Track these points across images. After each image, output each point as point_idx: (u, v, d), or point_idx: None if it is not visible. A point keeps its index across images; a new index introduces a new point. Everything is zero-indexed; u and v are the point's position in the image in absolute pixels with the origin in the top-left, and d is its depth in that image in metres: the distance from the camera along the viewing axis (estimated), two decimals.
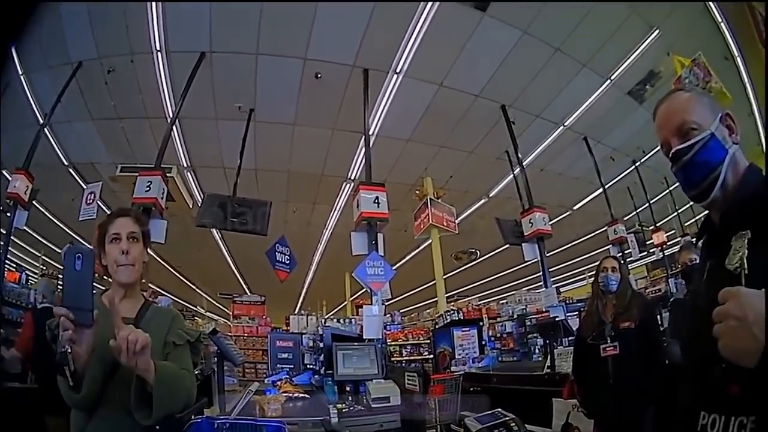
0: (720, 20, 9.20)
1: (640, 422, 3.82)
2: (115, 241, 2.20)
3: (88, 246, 2.23)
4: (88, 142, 11.83)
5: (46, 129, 10.47)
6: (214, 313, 27.14)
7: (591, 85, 10.90)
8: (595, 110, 11.61)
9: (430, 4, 8.27)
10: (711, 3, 8.89)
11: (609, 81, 10.74)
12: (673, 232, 15.79)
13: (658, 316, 5.58)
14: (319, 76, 9.70)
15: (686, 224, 15.09)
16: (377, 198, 8.26)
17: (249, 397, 3.32)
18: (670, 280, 12.41)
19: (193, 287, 24.63)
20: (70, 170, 12.79)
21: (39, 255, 15.21)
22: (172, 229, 8.54)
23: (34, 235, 14.77)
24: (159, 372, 1.86)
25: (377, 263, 7.57)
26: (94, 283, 1.82)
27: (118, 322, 1.82)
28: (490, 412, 3.02)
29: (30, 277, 10.27)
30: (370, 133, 9.84)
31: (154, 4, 8.29)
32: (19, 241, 13.63)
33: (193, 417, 2.04)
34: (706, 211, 1.65)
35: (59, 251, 15.51)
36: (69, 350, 1.70)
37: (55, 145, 11.80)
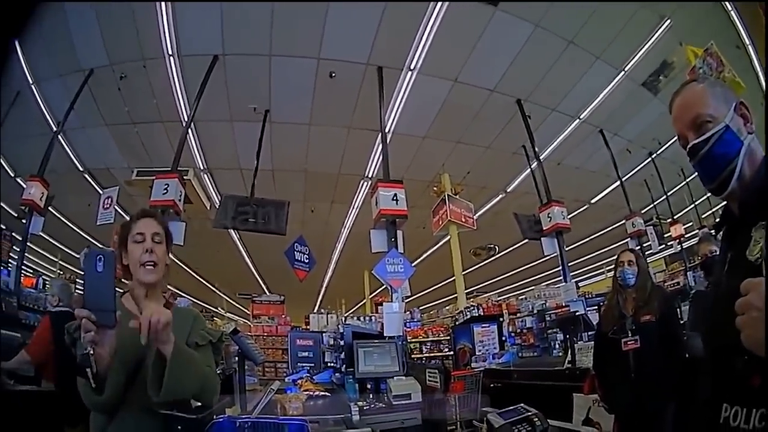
0: (730, 9, 9.12)
1: (661, 417, 3.79)
2: (139, 240, 2.20)
3: (108, 248, 2.23)
4: (103, 148, 11.97)
5: (60, 136, 10.58)
6: (233, 313, 27.25)
7: (605, 78, 10.85)
8: (609, 102, 11.54)
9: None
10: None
11: (623, 73, 10.67)
12: (690, 224, 15.66)
13: (678, 310, 5.54)
14: (333, 75, 9.73)
15: (704, 216, 14.97)
16: (396, 195, 8.26)
17: (270, 395, 3.32)
18: (688, 273, 12.30)
19: (212, 288, 24.73)
20: (86, 176, 12.90)
21: (56, 260, 15.34)
22: (190, 231, 8.59)
23: (51, 240, 14.92)
24: (176, 349, 1.89)
25: (397, 260, 7.57)
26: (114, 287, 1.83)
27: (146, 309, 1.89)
28: (512, 407, 3.02)
29: (47, 282, 10.35)
30: (386, 130, 9.84)
31: (163, 6, 8.36)
32: (35, 247, 13.77)
33: (215, 417, 2.05)
34: (724, 202, 1.63)
35: (76, 256, 15.68)
36: (91, 352, 1.70)
37: (69, 152, 11.94)
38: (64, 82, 9.74)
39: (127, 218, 2.36)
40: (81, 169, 12.67)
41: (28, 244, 9.58)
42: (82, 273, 1.80)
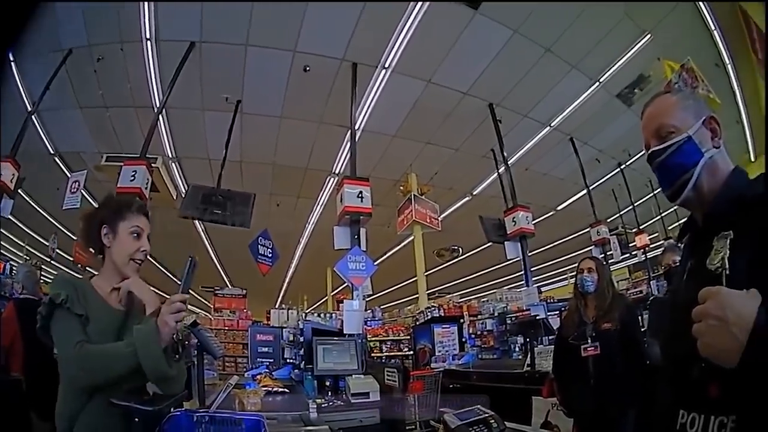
0: (713, 28, 9.29)
1: (619, 422, 3.84)
2: (136, 234, 2.30)
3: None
4: (75, 131, 11.72)
5: (34, 117, 10.36)
6: (195, 305, 27.02)
7: (579, 87, 10.98)
8: (582, 112, 11.69)
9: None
10: (704, 9, 8.95)
11: (598, 83, 10.82)
12: (656, 234, 15.92)
13: (640, 318, 5.62)
14: (307, 69, 9.67)
15: (670, 227, 15.19)
16: (361, 192, 8.25)
17: (228, 390, 3.30)
18: (652, 282, 12.52)
19: (174, 279, 24.49)
20: (56, 159, 12.67)
21: (23, 245, 15.07)
22: (155, 220, 8.48)
23: (19, 224, 14.66)
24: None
25: (359, 258, 7.56)
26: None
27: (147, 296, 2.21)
28: (469, 408, 3.03)
29: (14, 268, 10.17)
30: (357, 127, 9.86)
31: None
32: (3, 231, 13.52)
33: (172, 410, 2.04)
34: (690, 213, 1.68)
35: (43, 241, 15.41)
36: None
37: (42, 133, 11.69)
38: (43, 61, 9.55)
39: (117, 202, 2.41)
40: (52, 151, 12.43)
41: None
42: (188, 276, 2.24)
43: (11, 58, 9.38)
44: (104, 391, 1.94)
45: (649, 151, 1.67)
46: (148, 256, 2.37)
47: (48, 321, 2.00)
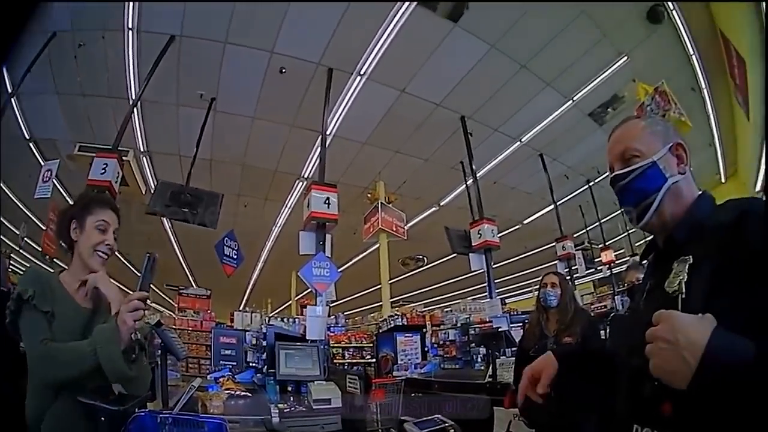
0: (692, 52, 9.47)
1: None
2: (102, 229, 2.31)
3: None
4: (51, 117, 11.52)
5: (13, 100, 10.22)
6: (158, 304, 26.73)
7: (552, 104, 11.11)
8: (553, 129, 11.84)
9: (404, 7, 8.30)
10: (684, 33, 9.11)
11: (571, 101, 10.97)
12: (622, 251, 16.11)
13: (602, 332, 5.70)
14: (283, 71, 9.66)
15: (636, 244, 15.40)
16: (328, 199, 8.23)
17: (192, 392, 3.30)
18: (616, 297, 12.69)
19: (139, 275, 24.17)
20: (31, 145, 12.47)
21: None
22: (122, 215, 8.40)
23: None
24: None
25: (323, 264, 7.56)
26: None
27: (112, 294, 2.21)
28: (429, 417, 3.06)
29: None
30: (328, 132, 9.84)
31: None
32: None
33: (136, 410, 2.04)
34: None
35: (13, 229, 15.14)
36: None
37: (19, 117, 11.50)
38: (27, 42, 9.40)
39: (88, 198, 2.42)
40: (27, 137, 12.24)
41: None
42: (146, 273, 2.23)
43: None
44: (71, 389, 1.94)
45: (613, 174, 1.71)
46: (116, 253, 2.37)
47: (16, 316, 2.01)
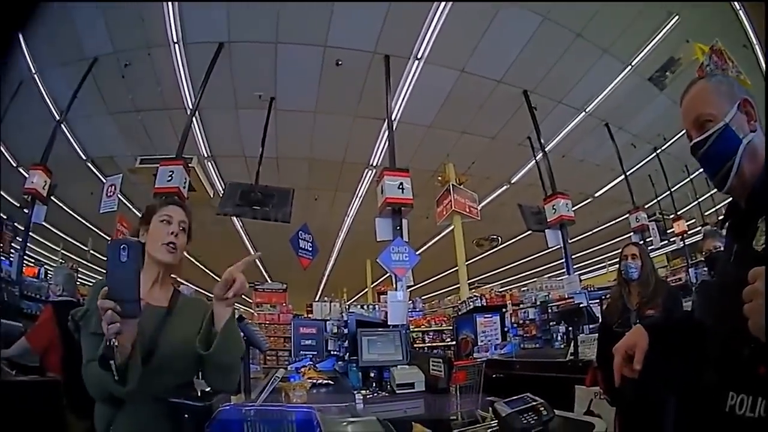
0: (738, 8, 9.11)
1: (663, 408, 3.79)
2: (166, 222, 2.24)
3: (133, 238, 2.22)
4: (107, 136, 11.97)
5: (63, 125, 10.58)
6: (236, 302, 27.23)
7: (612, 71, 10.82)
8: (616, 96, 11.52)
9: None
10: None
11: (630, 67, 10.63)
12: (693, 220, 15.67)
13: (683, 303, 5.54)
14: (339, 63, 9.70)
15: (707, 213, 14.97)
16: (401, 184, 8.24)
17: (275, 383, 3.32)
18: (690, 269, 12.38)
19: (214, 276, 24.72)
20: (89, 164, 12.89)
21: (58, 249, 15.32)
22: (193, 218, 8.56)
23: (53, 229, 14.91)
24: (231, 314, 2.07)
25: (402, 249, 7.59)
26: None
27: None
28: (518, 397, 3.01)
29: (49, 272, 10.33)
30: (393, 119, 9.81)
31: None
32: (37, 236, 13.76)
33: (221, 404, 2.05)
34: (729, 199, 1.69)
35: (78, 245, 15.66)
36: (115, 343, 1.69)
37: (72, 141, 11.95)
38: (68, 71, 9.70)
39: (134, 206, 2.41)
40: (84, 157, 12.64)
41: (30, 233, 9.54)
42: (106, 262, 1.77)
43: (33, 70, 9.57)
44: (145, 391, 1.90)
45: (691, 144, 1.67)
46: (188, 255, 2.35)
47: (78, 335, 2.01)
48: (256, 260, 21.71)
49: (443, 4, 8.48)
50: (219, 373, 2.07)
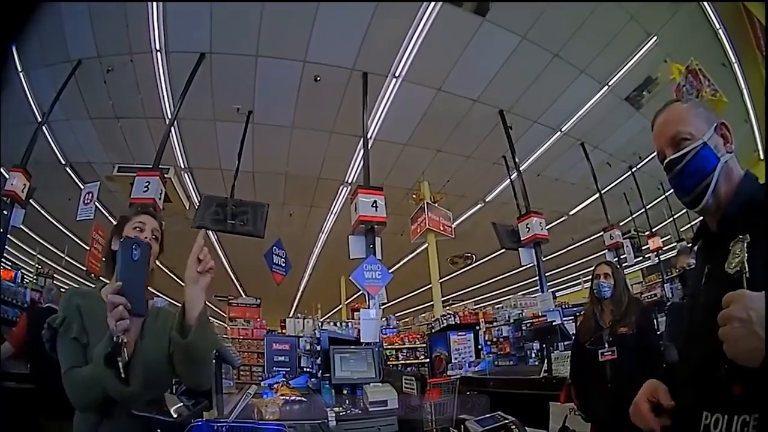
0: (718, 27, 9.28)
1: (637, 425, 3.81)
2: (138, 230, 2.24)
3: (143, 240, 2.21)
4: (86, 142, 11.81)
5: (44, 127, 10.43)
6: (210, 315, 27.08)
7: (589, 91, 10.94)
8: (592, 116, 11.65)
9: (431, 6, 8.26)
10: (709, 8, 8.96)
11: (607, 87, 10.77)
12: (668, 237, 15.84)
13: (655, 321, 5.61)
14: (318, 79, 9.71)
15: (682, 229, 15.13)
16: (375, 202, 8.23)
17: (248, 399, 3.31)
18: (665, 285, 12.55)
19: None
20: (67, 169, 12.74)
21: (34, 254, 15.14)
22: (167, 231, 8.50)
23: (29, 233, 14.73)
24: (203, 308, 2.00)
25: (375, 267, 7.56)
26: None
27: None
28: (489, 414, 3.02)
29: (25, 276, 10.20)
30: (368, 136, 9.84)
31: (154, 3, 8.29)
32: (15, 240, 13.59)
33: (192, 420, 2.03)
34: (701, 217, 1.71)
35: (54, 250, 15.49)
36: (124, 340, 1.68)
37: (52, 144, 11.78)
38: (52, 72, 9.60)
39: (111, 214, 2.41)
40: (63, 162, 12.50)
41: (8, 236, 9.43)
42: (118, 259, 1.74)
43: (19, 69, 9.47)
44: (122, 404, 1.85)
45: (667, 160, 1.69)
46: (162, 266, 2.34)
47: (53, 343, 1.99)
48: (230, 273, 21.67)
49: (423, 21, 8.53)
50: (194, 366, 2.01)
